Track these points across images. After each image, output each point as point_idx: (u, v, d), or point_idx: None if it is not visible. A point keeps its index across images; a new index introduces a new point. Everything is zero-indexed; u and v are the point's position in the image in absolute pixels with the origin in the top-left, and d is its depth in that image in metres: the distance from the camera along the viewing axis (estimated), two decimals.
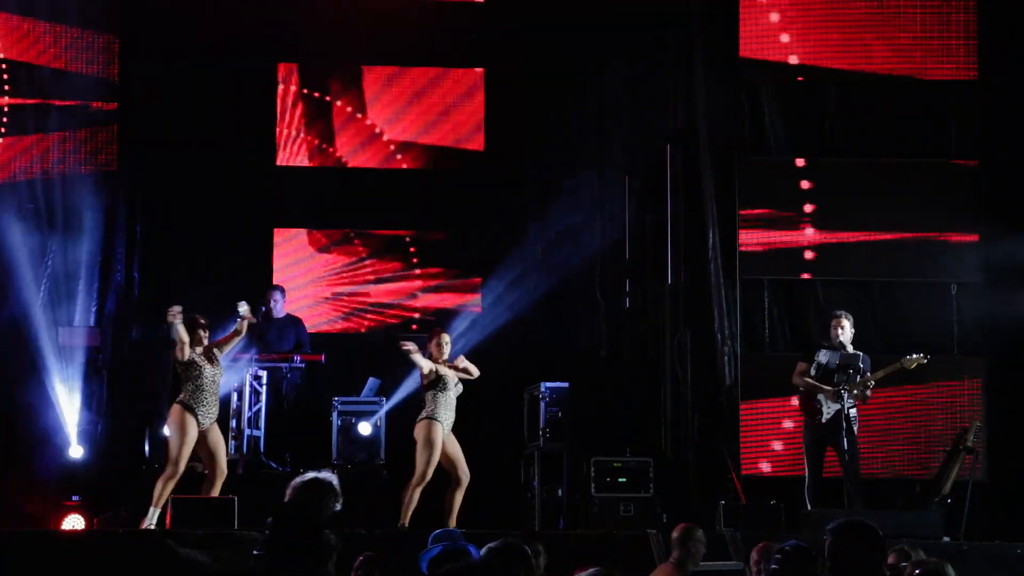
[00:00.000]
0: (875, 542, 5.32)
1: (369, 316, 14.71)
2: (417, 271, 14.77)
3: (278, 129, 14.71)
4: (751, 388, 13.45)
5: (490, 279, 14.67)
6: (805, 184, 13.76)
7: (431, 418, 11.06)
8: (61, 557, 10.16)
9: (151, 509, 10.74)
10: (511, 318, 14.53)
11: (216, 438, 11.01)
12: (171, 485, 10.77)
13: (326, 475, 6.10)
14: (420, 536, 10.33)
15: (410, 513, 11.05)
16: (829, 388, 11.63)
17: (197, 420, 10.84)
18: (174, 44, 14.13)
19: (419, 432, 11.09)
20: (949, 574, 6.01)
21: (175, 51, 14.12)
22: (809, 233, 13.68)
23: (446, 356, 11.29)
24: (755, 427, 13.37)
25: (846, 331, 11.75)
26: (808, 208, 13.69)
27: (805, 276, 13.75)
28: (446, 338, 11.36)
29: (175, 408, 10.85)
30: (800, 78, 13.87)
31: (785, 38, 13.86)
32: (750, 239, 13.63)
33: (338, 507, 5.96)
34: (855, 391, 11.54)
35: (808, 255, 13.65)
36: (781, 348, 13.60)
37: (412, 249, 14.83)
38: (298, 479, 6.02)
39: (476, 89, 14.90)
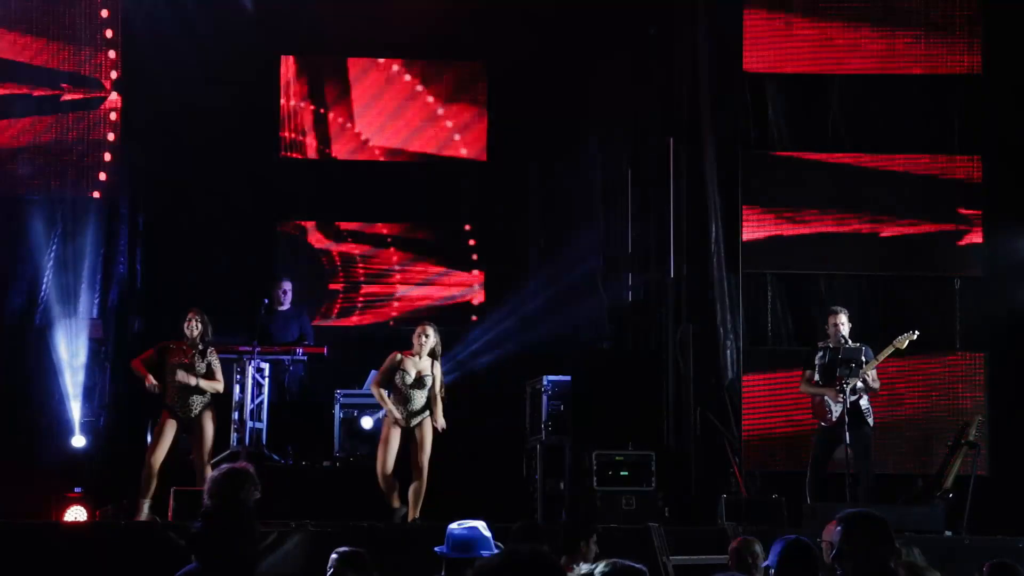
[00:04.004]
0: (885, 535, 5.30)
1: (372, 309, 14.72)
2: (421, 264, 14.78)
3: (281, 121, 14.71)
4: (753, 381, 13.43)
5: (493, 273, 14.67)
6: (807, 178, 13.74)
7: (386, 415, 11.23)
8: (63, 548, 10.17)
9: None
10: (514, 311, 14.53)
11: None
12: None
13: (243, 464, 6.15)
14: (417, 530, 10.39)
15: (393, 500, 11.13)
16: (831, 389, 11.63)
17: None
18: (176, 35, 14.14)
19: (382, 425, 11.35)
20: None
21: (177, 41, 14.12)
22: (813, 227, 13.66)
23: (427, 349, 11.30)
24: (757, 420, 13.35)
25: (845, 325, 11.73)
26: (811, 202, 13.66)
27: (808, 270, 13.73)
28: (429, 330, 11.34)
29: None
30: (804, 71, 13.84)
31: (790, 30, 13.83)
32: (753, 233, 13.61)
33: (258, 495, 6.03)
34: (859, 384, 11.54)
35: (811, 249, 13.63)
36: (784, 342, 13.59)
37: (416, 244, 14.83)
38: (216, 471, 6.09)
39: (479, 82, 14.90)
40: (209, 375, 11.37)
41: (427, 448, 11.24)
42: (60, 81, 14.06)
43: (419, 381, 11.22)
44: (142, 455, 12.43)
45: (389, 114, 14.86)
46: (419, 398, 11.22)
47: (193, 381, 11.21)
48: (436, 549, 6.92)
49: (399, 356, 11.25)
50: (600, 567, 5.79)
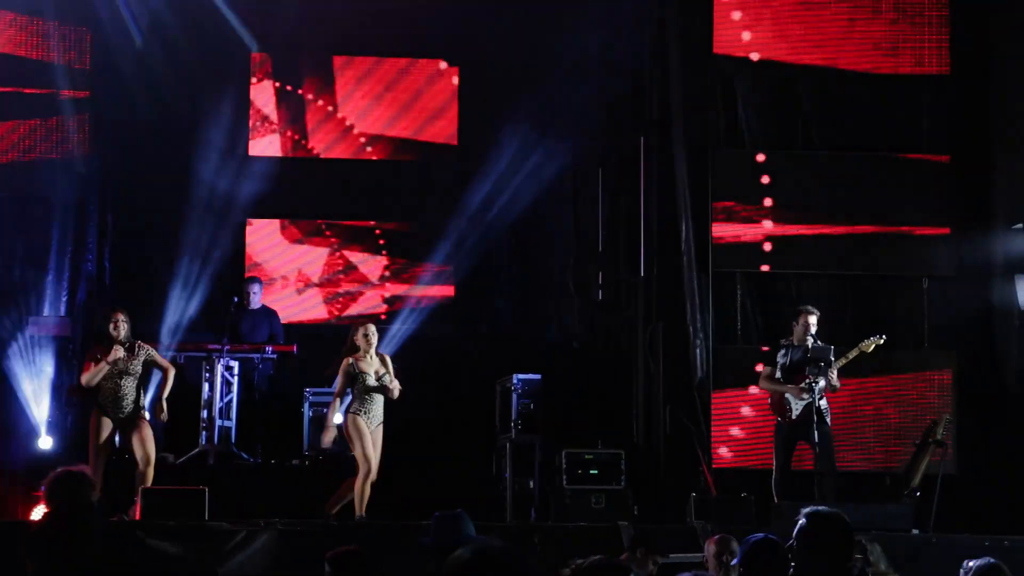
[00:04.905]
0: (845, 534, 5.31)
1: (341, 307, 14.69)
2: (389, 262, 14.76)
3: (251, 119, 14.67)
4: (723, 380, 13.44)
5: (462, 271, 14.66)
6: (777, 177, 13.76)
7: (352, 412, 11.09)
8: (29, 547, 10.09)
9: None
10: (483, 310, 14.53)
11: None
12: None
13: (79, 467, 6.15)
14: (382, 527, 10.38)
15: (364, 505, 11.04)
16: (793, 386, 11.66)
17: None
18: (146, 31, 14.08)
19: (346, 427, 11.15)
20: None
21: (147, 39, 14.06)
22: (782, 226, 13.69)
23: (373, 347, 11.24)
24: (727, 420, 13.38)
25: (815, 325, 11.76)
26: (781, 201, 13.69)
27: (778, 269, 13.75)
28: (372, 328, 11.29)
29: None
30: (773, 71, 13.87)
31: (760, 30, 13.86)
32: (723, 232, 13.62)
33: (96, 496, 6.02)
34: (822, 383, 11.57)
35: (780, 248, 13.65)
36: (753, 341, 13.61)
37: (384, 240, 14.82)
38: (53, 474, 6.10)
39: (449, 79, 14.89)
40: (152, 362, 11.27)
41: (378, 454, 11.19)
42: (30, 77, 13.97)
43: (381, 377, 11.18)
44: (112, 453, 12.40)
45: (357, 112, 14.83)
46: (379, 399, 11.17)
47: (120, 354, 11.10)
48: (422, 540, 6.89)
49: (351, 360, 11.16)
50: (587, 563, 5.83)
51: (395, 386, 11.10)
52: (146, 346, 11.37)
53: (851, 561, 5.44)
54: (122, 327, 11.19)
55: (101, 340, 11.27)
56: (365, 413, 11.05)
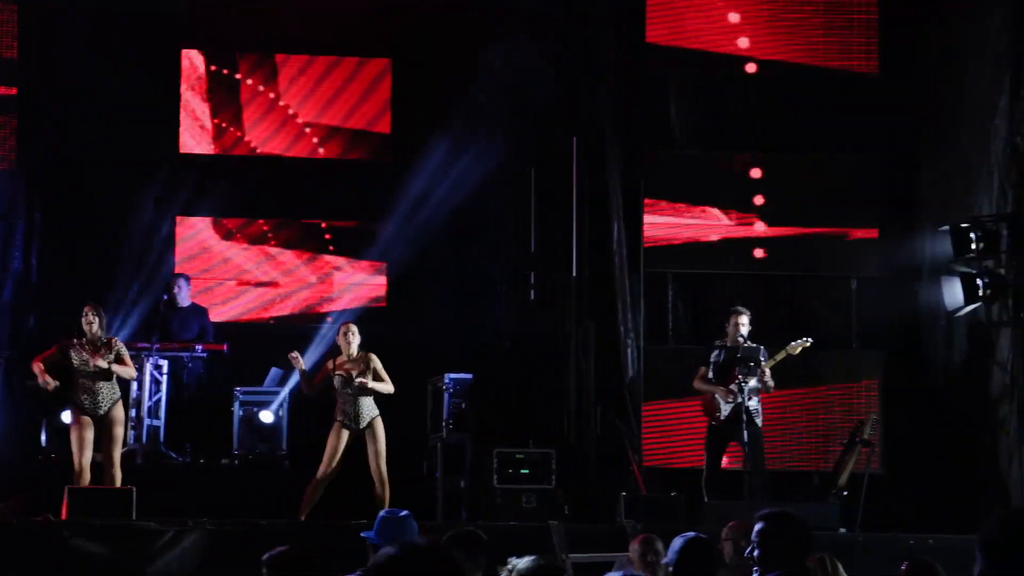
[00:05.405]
0: (803, 534, 5.35)
1: (273, 306, 14.62)
2: (322, 260, 14.70)
3: (181, 115, 14.56)
4: (653, 381, 13.50)
5: (395, 269, 14.63)
6: (709, 177, 13.84)
7: (335, 419, 11.14)
8: None
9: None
10: (416, 309, 14.50)
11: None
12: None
13: None
14: (313, 527, 10.34)
15: (308, 509, 11.04)
16: (722, 388, 11.74)
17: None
18: (75, 28, 13.94)
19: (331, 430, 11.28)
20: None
21: (76, 35, 13.92)
22: (711, 227, 13.77)
23: (354, 347, 11.26)
24: (657, 419, 13.44)
25: (746, 326, 11.84)
26: (712, 202, 13.76)
27: (709, 270, 13.84)
28: (353, 327, 11.35)
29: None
30: (704, 70, 13.93)
31: (690, 30, 13.92)
32: (655, 232, 13.68)
33: None
34: (754, 383, 11.67)
35: (711, 249, 13.73)
36: (684, 341, 13.69)
37: (322, 238, 14.76)
38: None
39: (382, 78, 14.85)
40: (119, 362, 11.17)
41: (383, 451, 11.18)
42: None
43: (354, 379, 11.19)
44: (36, 453, 12.31)
45: (290, 110, 14.76)
46: (365, 398, 11.18)
47: (104, 364, 11.02)
48: (364, 534, 6.89)
49: (331, 364, 11.24)
50: (522, 562, 5.83)
51: (371, 383, 11.08)
52: (119, 343, 11.27)
53: (808, 558, 5.49)
54: (94, 321, 11.10)
55: (84, 335, 11.09)
56: (345, 416, 11.12)
